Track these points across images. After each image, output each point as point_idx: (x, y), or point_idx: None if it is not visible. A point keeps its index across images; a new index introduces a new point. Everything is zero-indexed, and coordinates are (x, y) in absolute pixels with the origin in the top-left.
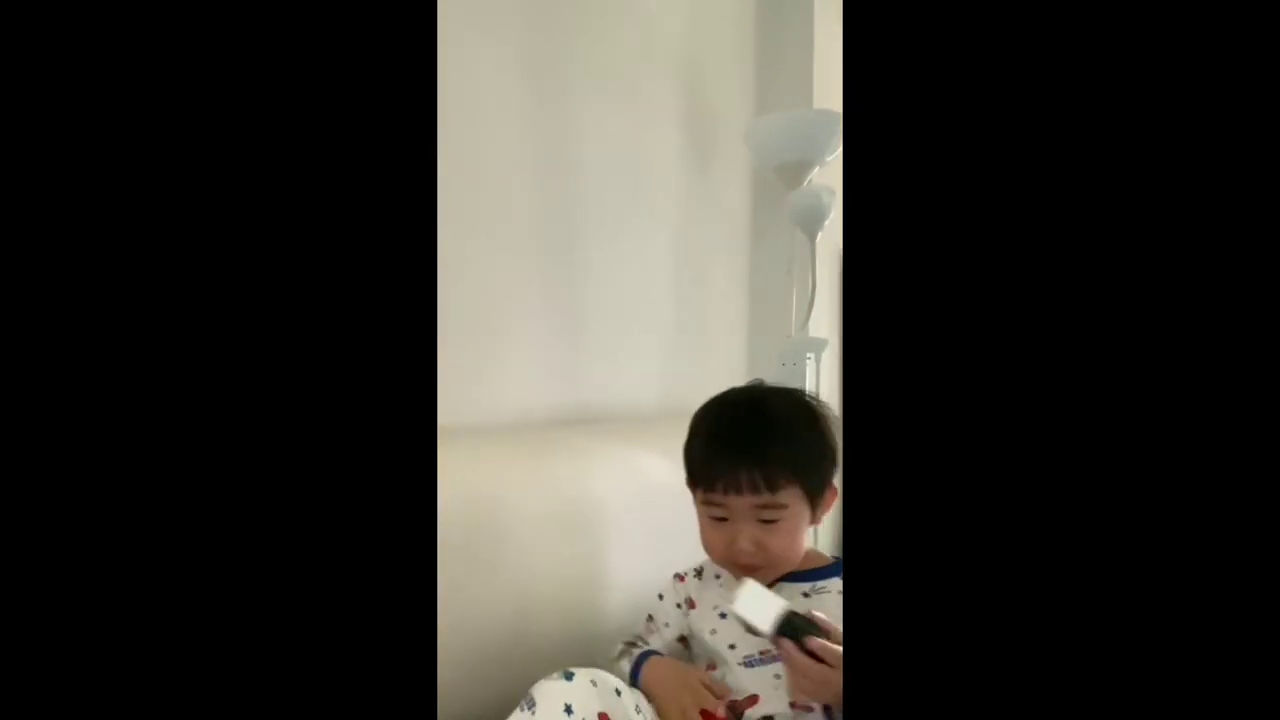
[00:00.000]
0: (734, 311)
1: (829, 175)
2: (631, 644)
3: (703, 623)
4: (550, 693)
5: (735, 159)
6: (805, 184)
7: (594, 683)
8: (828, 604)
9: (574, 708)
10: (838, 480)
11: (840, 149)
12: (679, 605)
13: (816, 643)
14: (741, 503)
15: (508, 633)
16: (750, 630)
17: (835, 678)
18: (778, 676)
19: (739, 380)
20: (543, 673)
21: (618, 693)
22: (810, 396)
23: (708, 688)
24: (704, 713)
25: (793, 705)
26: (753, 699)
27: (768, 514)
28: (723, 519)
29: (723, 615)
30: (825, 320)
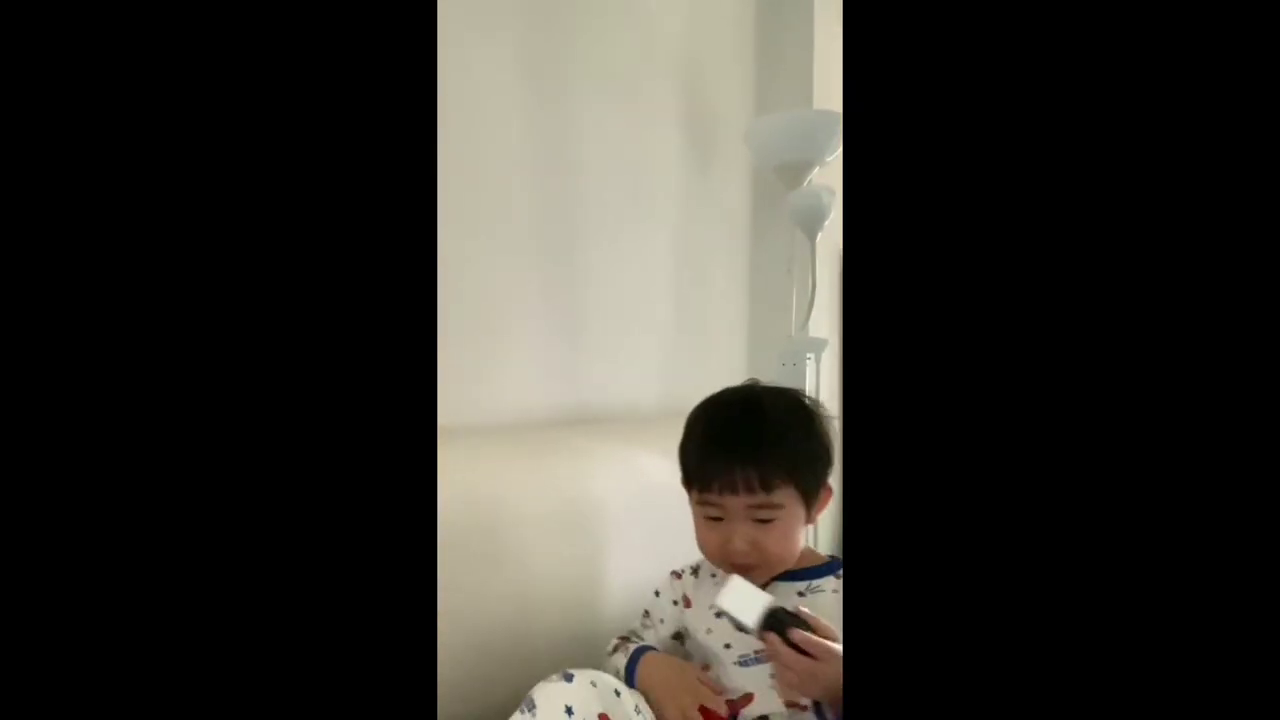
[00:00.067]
0: (734, 311)
1: (829, 175)
2: (625, 639)
3: (698, 622)
4: (550, 695)
5: (735, 159)
6: (805, 184)
7: (594, 684)
8: (822, 603)
9: (574, 709)
10: (833, 479)
11: (840, 149)
12: (675, 602)
13: (799, 634)
14: (736, 503)
15: (508, 632)
16: (737, 627)
17: (822, 671)
18: (773, 675)
19: (739, 380)
20: (543, 672)
21: (617, 694)
22: (805, 396)
23: (707, 686)
24: (704, 710)
25: (789, 705)
26: (748, 698)
27: (763, 514)
28: (718, 519)
29: (718, 615)
30: (825, 320)
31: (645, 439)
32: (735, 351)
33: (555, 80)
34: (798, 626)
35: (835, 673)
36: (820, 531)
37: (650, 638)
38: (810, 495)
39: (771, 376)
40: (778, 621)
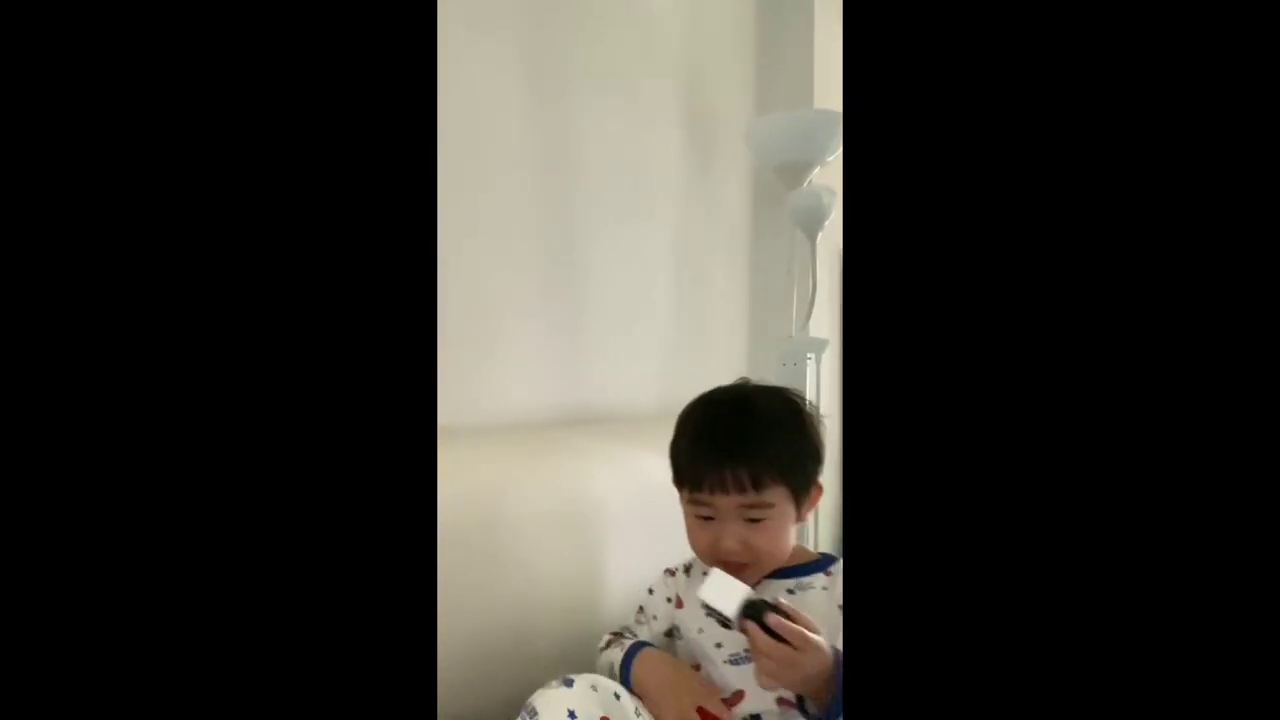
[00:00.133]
0: (734, 311)
1: (829, 175)
2: (619, 634)
3: (690, 621)
4: (551, 701)
5: (735, 159)
6: (805, 184)
7: (594, 688)
8: (812, 600)
9: (576, 714)
10: (824, 478)
11: (840, 149)
12: (668, 600)
13: (775, 619)
14: (727, 502)
15: (508, 632)
16: (722, 622)
17: (800, 660)
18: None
19: None
20: (543, 672)
21: (617, 696)
22: (795, 395)
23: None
24: (701, 711)
25: (779, 702)
26: (739, 696)
27: (753, 513)
28: (709, 518)
29: (709, 613)
30: (825, 320)
31: (645, 439)
32: (735, 351)
33: (555, 80)
34: (775, 613)
35: (814, 663)
36: (820, 531)
37: (644, 634)
38: (800, 494)
39: (772, 376)
40: (757, 611)
